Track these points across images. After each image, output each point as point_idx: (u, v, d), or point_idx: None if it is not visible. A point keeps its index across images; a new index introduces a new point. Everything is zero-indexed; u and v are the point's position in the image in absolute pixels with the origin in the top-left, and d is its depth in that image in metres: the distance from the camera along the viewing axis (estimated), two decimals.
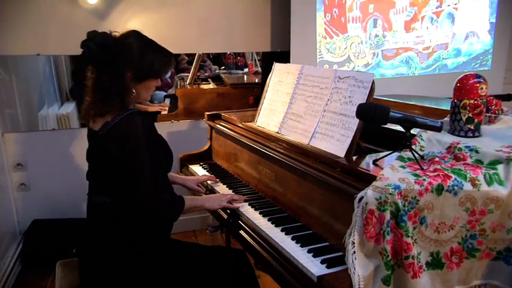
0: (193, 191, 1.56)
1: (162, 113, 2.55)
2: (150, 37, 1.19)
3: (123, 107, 1.14)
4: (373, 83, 1.15)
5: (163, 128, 2.49)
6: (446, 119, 1.17)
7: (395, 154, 1.05)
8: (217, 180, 1.58)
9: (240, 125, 1.66)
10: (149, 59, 1.16)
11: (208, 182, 1.57)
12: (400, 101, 1.61)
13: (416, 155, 1.00)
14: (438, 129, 1.02)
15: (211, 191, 1.52)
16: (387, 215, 0.86)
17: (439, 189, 0.90)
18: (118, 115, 1.13)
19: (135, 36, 1.17)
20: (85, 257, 1.19)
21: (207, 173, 1.69)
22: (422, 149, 1.08)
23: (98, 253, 1.15)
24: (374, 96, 1.17)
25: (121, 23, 2.23)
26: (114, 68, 1.13)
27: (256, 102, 2.27)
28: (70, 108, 2.30)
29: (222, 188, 1.51)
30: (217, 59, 3.04)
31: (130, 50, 1.14)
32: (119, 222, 1.15)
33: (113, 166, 1.12)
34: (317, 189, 1.15)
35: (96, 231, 1.17)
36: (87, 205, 1.23)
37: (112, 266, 1.13)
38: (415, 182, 0.90)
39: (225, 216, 1.33)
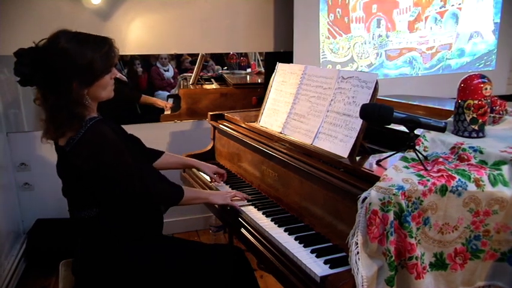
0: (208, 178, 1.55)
1: (165, 112, 2.56)
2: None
3: (82, 119, 1.06)
4: (376, 83, 1.15)
5: (165, 128, 2.50)
6: (450, 119, 1.17)
7: (399, 154, 1.05)
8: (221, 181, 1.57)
9: (243, 125, 1.66)
10: (89, 58, 1.04)
11: (213, 183, 1.55)
12: (404, 102, 1.61)
13: (420, 156, 1.00)
14: (442, 130, 1.02)
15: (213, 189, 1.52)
16: (391, 216, 0.86)
17: (443, 190, 0.90)
18: (80, 129, 1.05)
19: (64, 37, 1.04)
20: (80, 262, 1.16)
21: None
22: (426, 149, 1.08)
23: (91, 259, 1.12)
24: (377, 97, 1.17)
25: (124, 23, 2.24)
26: (56, 83, 1.03)
27: (259, 103, 2.27)
28: None
29: (225, 189, 1.51)
30: (220, 59, 3.05)
31: (66, 57, 1.03)
32: (110, 231, 1.12)
33: (91, 180, 1.06)
34: (320, 190, 1.15)
35: (87, 244, 1.13)
36: (70, 220, 1.17)
37: (106, 269, 1.11)
38: (419, 183, 0.90)
39: (241, 224, 1.29)
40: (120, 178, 1.07)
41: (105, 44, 1.09)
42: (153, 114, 2.54)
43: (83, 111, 1.08)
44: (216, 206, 1.35)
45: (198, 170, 1.57)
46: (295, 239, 1.12)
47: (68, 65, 1.03)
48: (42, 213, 2.29)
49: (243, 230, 1.26)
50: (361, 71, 2.23)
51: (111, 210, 1.11)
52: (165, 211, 1.22)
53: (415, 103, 1.58)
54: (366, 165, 1.10)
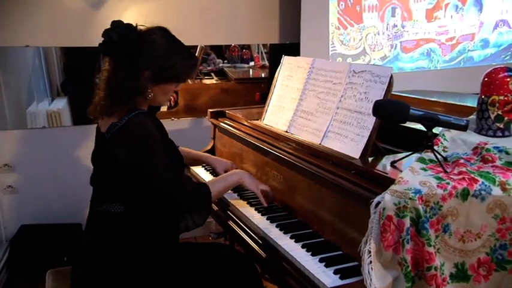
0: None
1: (161, 109, 2.56)
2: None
3: (132, 108, 1.14)
4: (391, 77, 1.15)
5: None
6: (473, 116, 1.17)
7: (416, 155, 1.05)
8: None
9: (245, 123, 1.66)
10: (172, 60, 1.16)
11: None
12: (421, 98, 1.61)
13: (438, 157, 1.00)
14: (463, 128, 1.01)
15: None
16: (407, 222, 0.86)
17: (465, 194, 0.90)
18: (124, 116, 1.13)
19: (161, 33, 1.17)
20: (83, 266, 1.18)
21: (210, 175, 1.70)
22: (446, 149, 1.07)
23: (98, 263, 1.14)
24: (392, 92, 1.17)
25: (117, 13, 2.25)
26: (132, 63, 1.13)
27: (263, 99, 2.27)
28: (61, 104, 2.31)
29: (231, 195, 1.50)
30: (221, 51, 3.05)
31: (154, 47, 1.15)
32: (132, 232, 1.14)
33: (124, 173, 1.12)
34: (329, 193, 1.15)
35: (102, 242, 1.16)
36: (89, 213, 1.21)
37: (113, 273, 1.13)
38: (438, 186, 0.90)
39: (240, 232, 1.30)
40: (152, 176, 1.11)
41: (192, 60, 1.24)
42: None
43: (140, 101, 1.17)
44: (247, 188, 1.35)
45: (207, 165, 1.59)
46: (303, 246, 1.12)
47: (151, 54, 1.15)
48: (27, 218, 2.30)
49: (244, 236, 1.26)
50: (374, 65, 2.23)
51: (136, 210, 1.15)
52: (187, 227, 1.22)
53: (433, 99, 1.58)
54: (379, 166, 1.09)
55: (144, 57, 1.14)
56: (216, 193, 1.24)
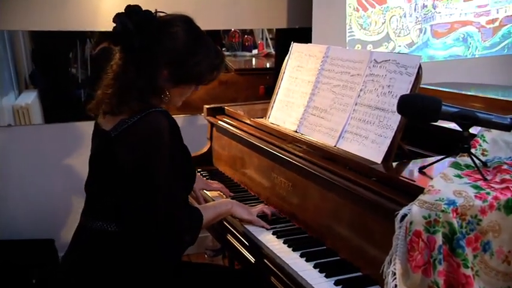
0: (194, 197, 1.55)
1: None
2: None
3: (146, 106, 1.11)
4: (419, 68, 1.15)
5: None
6: None
7: (449, 160, 1.04)
8: (230, 194, 1.57)
9: (248, 121, 1.66)
10: (196, 59, 1.14)
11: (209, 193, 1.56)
12: (456, 91, 1.60)
13: (477, 161, 0.99)
14: (507, 128, 1.00)
15: None
16: (439, 239, 0.86)
17: (509, 206, 0.89)
18: (137, 114, 1.10)
19: (184, 25, 1.15)
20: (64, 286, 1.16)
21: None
22: (485, 153, 1.07)
23: (85, 284, 1.13)
24: (421, 86, 1.16)
25: None
26: (148, 59, 1.11)
27: (268, 93, 2.27)
28: (30, 98, 2.29)
29: None
30: (219, 38, 3.05)
31: (175, 42, 1.12)
32: (126, 253, 1.13)
33: (122, 178, 1.10)
34: (346, 204, 1.15)
35: (92, 262, 1.14)
36: (79, 226, 1.20)
37: None
38: (476, 197, 0.89)
39: (241, 248, 1.31)
40: (149, 185, 1.09)
41: (217, 57, 1.20)
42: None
43: (155, 102, 1.15)
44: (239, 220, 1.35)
45: (202, 171, 1.61)
46: (315, 266, 1.12)
47: (172, 51, 1.13)
48: None
49: (246, 253, 1.26)
50: (399, 53, 2.22)
51: (130, 231, 1.12)
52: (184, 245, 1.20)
53: (470, 93, 1.58)
54: (405, 173, 1.09)
55: (163, 53, 1.11)
56: (206, 221, 1.22)
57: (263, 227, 1.31)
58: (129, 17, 1.10)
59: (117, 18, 1.11)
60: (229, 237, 1.36)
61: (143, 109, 1.11)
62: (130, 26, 1.09)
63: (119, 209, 1.12)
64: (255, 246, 1.27)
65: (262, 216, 1.35)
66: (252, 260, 1.24)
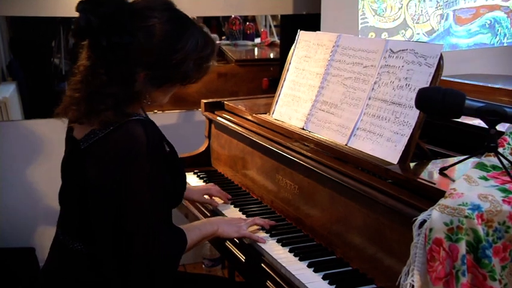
0: (200, 203, 1.54)
1: None
2: None
3: (121, 115, 1.04)
4: (440, 58, 1.14)
5: None
6: None
7: (473, 160, 1.04)
8: (229, 198, 1.55)
9: (250, 117, 1.66)
10: (178, 56, 1.04)
11: (210, 201, 1.55)
12: (481, 84, 1.60)
13: (505, 162, 0.99)
14: None
15: (215, 214, 1.52)
16: (462, 248, 0.85)
17: None
18: (110, 124, 1.04)
19: (162, 14, 1.03)
20: None
21: (203, 183, 1.70)
22: None
23: None
24: (442, 78, 1.16)
25: None
26: (121, 60, 1.02)
27: (272, 86, 2.27)
28: (8, 91, 2.27)
29: (232, 211, 1.50)
30: (218, 25, 3.04)
31: (151, 38, 1.02)
32: (101, 277, 1.10)
33: (96, 200, 1.06)
34: (359, 209, 1.15)
35: (60, 282, 1.13)
36: (54, 241, 1.18)
37: None
38: (504, 201, 0.89)
39: (241, 256, 1.30)
40: (125, 208, 1.05)
41: (206, 47, 1.09)
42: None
43: (134, 110, 1.08)
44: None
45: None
46: (324, 277, 1.11)
47: (149, 49, 1.03)
48: None
49: (247, 263, 1.27)
50: (418, 41, 2.20)
51: (104, 255, 1.09)
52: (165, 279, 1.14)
53: (497, 86, 1.57)
54: (424, 174, 1.08)
55: (138, 53, 1.02)
56: (190, 245, 1.17)
57: (257, 241, 1.27)
58: (94, 7, 0.99)
59: (79, 8, 1.00)
60: (228, 244, 1.36)
61: (117, 119, 1.04)
62: (95, 21, 0.98)
63: (91, 228, 1.09)
64: (257, 255, 1.26)
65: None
66: (254, 270, 1.24)
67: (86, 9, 1.00)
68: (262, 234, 1.32)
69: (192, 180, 1.75)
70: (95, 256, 1.10)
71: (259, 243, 1.27)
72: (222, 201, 1.55)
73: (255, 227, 1.34)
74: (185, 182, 1.26)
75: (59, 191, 1.18)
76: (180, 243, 1.15)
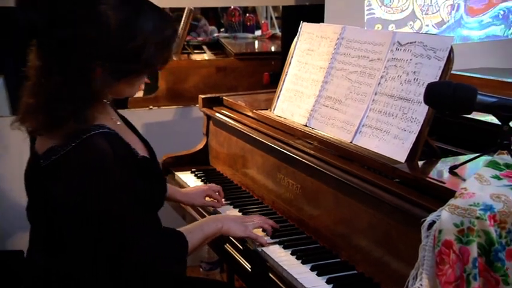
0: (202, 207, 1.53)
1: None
2: None
3: (85, 123, 1.01)
4: (450, 51, 1.14)
5: (136, 118, 2.49)
6: None
7: (485, 158, 1.04)
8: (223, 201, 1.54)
9: (250, 114, 1.66)
10: (135, 43, 1.00)
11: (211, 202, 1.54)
12: (494, 78, 1.59)
13: None
14: None
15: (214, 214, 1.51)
16: (473, 250, 0.85)
17: None
18: (70, 139, 1.00)
19: None
20: None
21: (200, 183, 1.69)
22: None
23: None
24: (452, 72, 1.16)
25: None
26: (73, 57, 0.98)
27: (273, 81, 2.27)
28: None
29: (231, 212, 1.50)
30: (216, 17, 3.04)
31: (102, 28, 0.97)
32: None
33: (63, 218, 1.05)
34: (364, 209, 1.15)
35: None
36: (28, 253, 1.17)
37: None
38: None
39: (240, 259, 1.29)
40: (107, 233, 1.04)
41: (166, 27, 1.04)
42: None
43: (94, 113, 1.03)
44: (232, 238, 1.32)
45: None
46: (328, 281, 1.11)
47: (102, 41, 0.98)
48: None
49: (247, 266, 1.26)
50: (427, 33, 2.19)
51: (81, 263, 1.08)
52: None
53: (510, 80, 1.56)
54: (433, 173, 1.09)
55: (90, 45, 0.97)
56: (192, 247, 1.15)
57: (262, 243, 1.26)
58: (33, 6, 0.94)
59: (18, 7, 0.96)
60: (228, 246, 1.36)
61: (79, 131, 1.01)
62: (35, 17, 0.94)
63: (62, 240, 1.08)
64: (258, 258, 1.26)
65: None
66: (255, 274, 1.24)
67: (24, 5, 0.96)
68: (261, 235, 1.31)
69: (190, 179, 1.75)
70: (67, 272, 1.09)
71: (262, 248, 1.27)
72: (224, 200, 1.54)
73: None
74: (165, 186, 1.25)
75: (26, 207, 1.15)
76: (176, 245, 1.14)
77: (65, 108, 0.99)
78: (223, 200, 1.55)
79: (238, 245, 1.33)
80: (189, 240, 1.15)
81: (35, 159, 1.07)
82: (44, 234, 1.12)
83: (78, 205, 1.03)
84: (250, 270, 1.26)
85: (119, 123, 1.18)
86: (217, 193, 1.54)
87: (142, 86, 1.17)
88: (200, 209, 1.56)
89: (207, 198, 1.54)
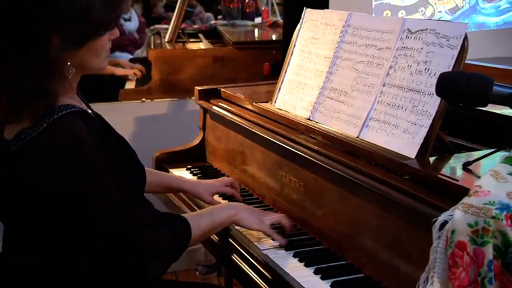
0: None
1: (126, 85, 2.56)
2: None
3: (52, 101, 1.03)
4: (465, 39, 1.14)
5: (127, 111, 2.51)
6: None
7: (501, 154, 1.04)
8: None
9: (249, 107, 1.66)
10: (82, 2, 1.03)
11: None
12: (511, 68, 1.58)
13: None
14: None
15: None
16: (489, 252, 0.85)
17: None
18: (41, 119, 1.02)
19: None
20: None
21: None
22: None
23: None
24: (466, 61, 1.16)
25: None
26: (24, 32, 1.01)
27: (274, 72, 2.26)
28: None
29: None
30: (212, 3, 3.04)
31: None
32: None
33: (42, 206, 1.05)
34: (372, 209, 1.15)
35: None
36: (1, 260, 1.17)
37: None
38: None
39: (238, 261, 1.30)
40: (94, 215, 1.05)
41: None
42: (107, 89, 2.55)
43: (57, 88, 1.06)
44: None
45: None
46: (333, 286, 1.12)
47: (47, 6, 1.01)
48: None
49: (246, 269, 1.27)
50: (439, 20, 2.19)
51: (62, 261, 1.09)
52: (159, 273, 1.15)
53: None
54: (446, 170, 1.09)
55: (37, 15, 1.01)
56: (198, 234, 1.16)
57: (279, 241, 1.26)
58: None
59: None
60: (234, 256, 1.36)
61: (48, 110, 1.03)
62: None
63: (39, 237, 1.09)
64: (257, 261, 1.27)
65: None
66: (255, 277, 1.24)
67: None
68: (266, 238, 1.31)
69: (185, 177, 1.74)
70: (49, 266, 1.10)
71: (257, 245, 1.27)
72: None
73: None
74: (144, 170, 1.26)
75: None
76: (177, 233, 1.14)
77: (26, 84, 1.02)
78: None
79: (233, 243, 1.33)
80: (194, 225, 1.15)
81: (4, 146, 1.07)
82: (19, 230, 1.12)
83: (53, 187, 1.03)
84: (250, 274, 1.26)
85: (89, 111, 1.19)
86: (229, 187, 1.52)
87: (107, 55, 1.17)
88: (192, 205, 1.56)
89: (216, 197, 1.52)
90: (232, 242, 1.36)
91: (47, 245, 1.09)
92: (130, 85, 2.66)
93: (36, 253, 1.10)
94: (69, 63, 1.07)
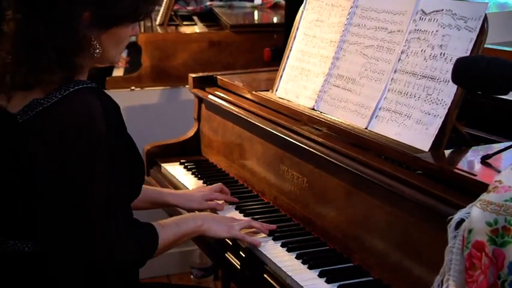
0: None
1: (114, 72, 2.56)
2: None
3: (67, 78, 1.08)
4: (485, 20, 1.14)
5: (116, 101, 2.50)
6: None
7: None
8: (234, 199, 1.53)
9: (248, 96, 1.67)
10: None
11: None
12: None
13: None
14: None
15: None
16: (509, 253, 0.85)
17: None
18: (56, 91, 1.07)
19: None
20: None
21: (194, 179, 1.70)
22: None
23: None
24: (485, 45, 1.16)
25: None
26: (57, 3, 1.07)
27: (275, 58, 2.26)
28: None
29: (227, 210, 1.50)
30: None
31: None
32: (48, 282, 1.13)
33: (39, 186, 1.07)
34: (381, 206, 1.15)
35: None
36: None
37: None
38: None
39: (237, 263, 1.31)
40: (81, 203, 1.07)
41: None
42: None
43: (82, 62, 1.11)
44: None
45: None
46: None
47: None
48: None
49: (244, 272, 1.28)
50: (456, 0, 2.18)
51: (50, 250, 1.11)
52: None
53: None
54: (462, 164, 1.10)
55: None
56: (163, 246, 1.19)
57: (251, 243, 1.28)
58: None
59: None
60: (226, 253, 1.36)
61: (65, 82, 1.07)
62: None
63: (33, 224, 1.11)
64: (257, 262, 1.27)
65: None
66: (253, 281, 1.25)
67: None
68: (261, 236, 1.32)
69: (179, 172, 1.76)
70: (40, 255, 1.12)
71: (258, 248, 1.28)
72: (224, 207, 1.51)
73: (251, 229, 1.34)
74: (144, 171, 1.29)
75: None
76: (148, 240, 1.17)
77: (48, 55, 1.06)
78: (223, 202, 1.52)
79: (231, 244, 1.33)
80: (162, 237, 1.18)
81: (8, 121, 1.10)
82: (14, 212, 1.13)
83: (61, 166, 1.06)
84: (242, 272, 1.26)
85: None
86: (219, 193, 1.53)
87: (123, 51, 1.23)
88: None
89: (210, 202, 1.51)
90: (229, 242, 1.36)
91: (40, 227, 1.11)
92: (118, 72, 2.65)
93: (29, 240, 1.12)
94: (95, 43, 1.12)
